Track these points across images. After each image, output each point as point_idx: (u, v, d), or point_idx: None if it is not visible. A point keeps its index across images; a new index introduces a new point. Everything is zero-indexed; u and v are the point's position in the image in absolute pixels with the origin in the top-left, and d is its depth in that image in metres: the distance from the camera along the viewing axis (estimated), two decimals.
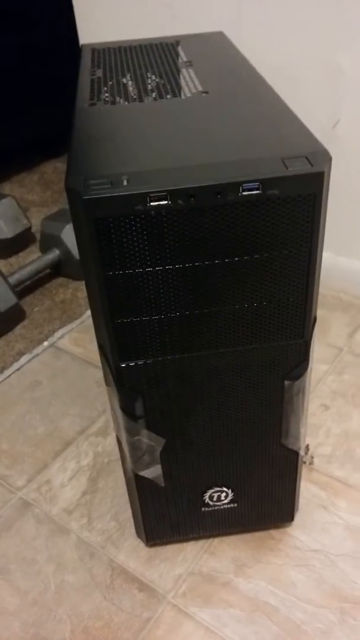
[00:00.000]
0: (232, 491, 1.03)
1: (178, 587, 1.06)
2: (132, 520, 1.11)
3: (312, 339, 0.86)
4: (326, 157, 0.71)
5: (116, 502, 1.21)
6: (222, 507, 1.05)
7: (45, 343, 1.65)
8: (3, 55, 2.38)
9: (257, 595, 1.04)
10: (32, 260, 1.87)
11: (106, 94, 0.96)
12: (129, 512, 1.14)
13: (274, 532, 1.13)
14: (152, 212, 0.69)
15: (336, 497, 1.19)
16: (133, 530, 1.15)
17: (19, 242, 2.07)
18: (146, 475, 0.97)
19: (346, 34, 1.38)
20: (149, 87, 0.98)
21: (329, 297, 1.70)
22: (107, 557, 1.12)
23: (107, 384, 0.89)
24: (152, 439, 0.92)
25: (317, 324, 0.87)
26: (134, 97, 0.94)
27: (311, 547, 1.10)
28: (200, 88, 0.95)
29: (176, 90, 0.95)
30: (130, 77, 1.03)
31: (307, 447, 1.28)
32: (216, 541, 1.13)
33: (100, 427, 1.38)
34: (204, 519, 1.07)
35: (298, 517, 1.15)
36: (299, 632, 0.99)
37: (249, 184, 0.68)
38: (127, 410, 0.88)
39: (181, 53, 1.15)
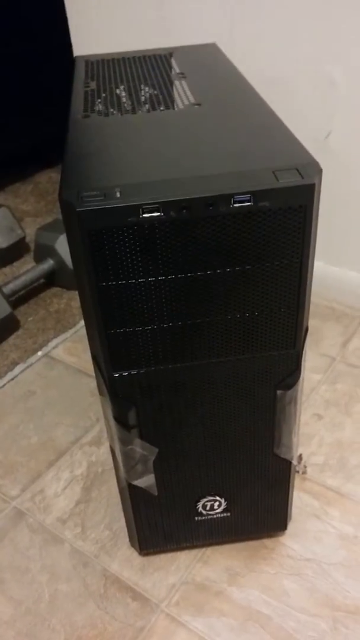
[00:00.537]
0: (225, 500, 1.03)
1: (171, 596, 1.07)
2: (125, 529, 1.11)
3: (304, 349, 0.87)
4: (316, 169, 0.72)
5: (110, 512, 1.22)
6: (215, 516, 1.06)
7: (40, 353, 1.65)
8: None
9: (250, 604, 1.05)
10: (26, 270, 1.87)
11: (99, 106, 0.97)
12: (122, 522, 1.15)
13: (267, 541, 1.14)
14: (145, 223, 0.70)
15: (329, 506, 1.19)
16: (127, 540, 1.15)
17: (13, 252, 2.08)
18: (139, 485, 0.97)
19: (338, 45, 1.39)
20: (142, 98, 0.99)
21: (322, 307, 1.71)
22: (100, 566, 1.12)
23: (101, 393, 0.89)
24: (145, 448, 0.92)
25: (310, 333, 0.88)
26: (127, 109, 0.95)
27: (304, 556, 1.11)
28: (192, 100, 0.96)
29: (169, 102, 0.96)
30: (124, 88, 1.04)
31: (300, 456, 1.28)
32: (209, 550, 1.13)
33: (94, 437, 1.38)
34: (197, 528, 1.07)
35: (291, 526, 1.15)
36: None
37: (241, 196, 0.69)
38: (121, 419, 0.89)
39: (174, 65, 1.16)
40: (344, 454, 1.29)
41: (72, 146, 0.84)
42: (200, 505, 1.03)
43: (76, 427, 1.41)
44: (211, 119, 0.88)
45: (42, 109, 2.52)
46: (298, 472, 1.25)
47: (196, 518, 1.05)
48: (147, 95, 1.00)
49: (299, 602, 1.04)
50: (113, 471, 1.09)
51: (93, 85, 1.08)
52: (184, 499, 1.02)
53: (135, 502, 1.01)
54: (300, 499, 1.21)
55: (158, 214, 0.69)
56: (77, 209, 0.68)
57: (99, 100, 1.00)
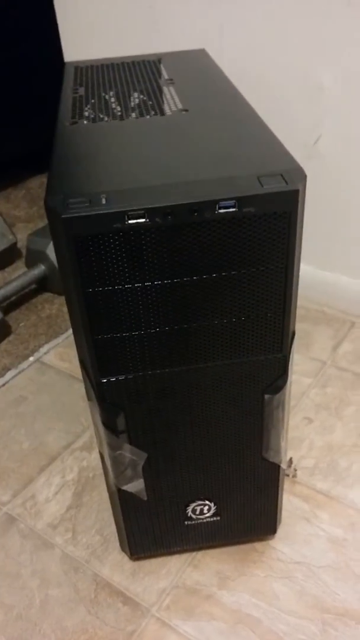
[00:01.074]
0: (214, 504, 1.04)
1: (162, 600, 1.07)
2: (116, 534, 1.11)
3: (291, 353, 0.87)
4: (301, 175, 0.73)
5: (101, 517, 1.22)
6: (205, 520, 1.06)
7: (31, 358, 1.66)
8: None
9: (240, 607, 1.05)
10: (17, 275, 1.88)
11: (87, 112, 0.98)
12: (113, 526, 1.15)
13: (257, 545, 1.14)
14: (131, 230, 0.70)
15: (319, 509, 1.19)
16: (117, 544, 1.15)
17: (5, 258, 2.08)
18: (129, 490, 0.97)
19: (327, 50, 1.40)
20: (130, 105, 0.99)
21: (312, 311, 1.71)
22: (91, 571, 1.12)
23: (89, 399, 0.89)
24: (134, 453, 0.93)
25: (300, 337, 0.88)
26: (115, 115, 0.95)
27: (294, 559, 1.11)
28: (180, 106, 0.97)
29: (156, 108, 0.96)
30: (112, 94, 1.05)
31: (290, 460, 1.29)
32: (200, 554, 1.13)
33: (85, 442, 1.39)
34: (188, 533, 1.08)
35: (281, 529, 1.16)
36: None
37: (225, 202, 0.70)
38: (109, 425, 0.89)
39: (163, 70, 1.17)
40: (334, 457, 1.29)
41: (59, 152, 0.84)
42: (190, 509, 1.04)
43: (67, 433, 1.42)
44: (198, 125, 0.89)
45: (34, 115, 2.52)
46: (288, 475, 1.25)
47: (186, 522, 1.06)
48: (135, 101, 1.01)
49: (289, 605, 1.05)
50: (104, 476, 1.09)
51: (82, 91, 1.09)
52: (174, 504, 1.02)
53: (125, 507, 1.01)
54: (290, 503, 1.21)
55: (143, 220, 0.69)
56: (63, 216, 0.68)
57: (87, 107, 1.00)
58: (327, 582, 1.07)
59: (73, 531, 1.19)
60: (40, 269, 1.89)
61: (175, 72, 1.15)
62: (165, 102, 0.99)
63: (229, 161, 0.77)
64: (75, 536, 1.19)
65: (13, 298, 1.87)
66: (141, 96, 1.03)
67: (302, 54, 1.44)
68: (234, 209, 0.70)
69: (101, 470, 1.30)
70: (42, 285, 1.94)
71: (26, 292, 1.92)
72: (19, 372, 1.61)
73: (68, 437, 1.41)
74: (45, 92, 2.18)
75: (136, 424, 0.90)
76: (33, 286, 1.93)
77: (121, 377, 0.84)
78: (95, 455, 1.35)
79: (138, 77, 1.14)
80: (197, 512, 1.04)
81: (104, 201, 0.69)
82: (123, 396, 0.86)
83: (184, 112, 0.94)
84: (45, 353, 1.67)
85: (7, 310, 1.84)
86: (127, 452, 0.92)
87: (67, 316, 1.78)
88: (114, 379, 0.84)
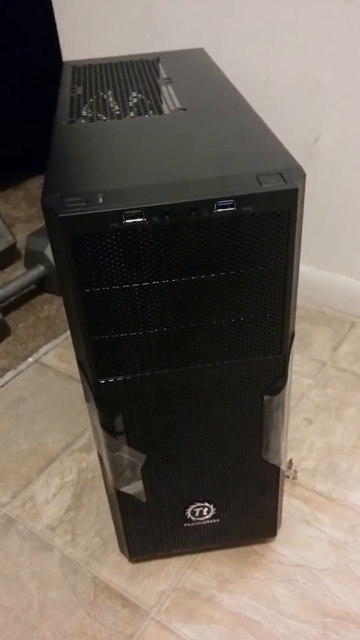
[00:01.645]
0: (214, 506, 1.03)
1: (161, 603, 1.06)
2: (115, 536, 1.11)
3: (291, 354, 0.86)
4: (300, 174, 0.72)
5: (100, 519, 1.21)
6: (204, 522, 1.05)
7: (30, 359, 1.65)
8: None
9: (240, 610, 1.04)
10: (17, 276, 1.87)
11: (85, 111, 0.97)
12: (112, 528, 1.14)
13: (257, 547, 1.13)
14: (128, 229, 0.69)
15: (319, 511, 1.19)
16: (116, 546, 1.14)
17: (4, 259, 2.08)
18: (128, 491, 0.97)
19: (325, 49, 1.39)
20: (128, 104, 0.98)
21: (312, 311, 1.70)
22: (90, 573, 1.12)
23: (87, 400, 0.89)
24: (132, 455, 0.92)
25: (300, 338, 0.88)
26: (113, 114, 0.95)
27: (294, 562, 1.11)
28: (178, 105, 0.96)
29: (154, 108, 0.96)
30: (110, 94, 1.04)
31: (290, 461, 1.28)
32: (199, 557, 1.13)
33: (84, 443, 1.38)
34: (187, 535, 1.07)
35: (281, 532, 1.15)
36: None
37: (223, 201, 0.69)
38: (107, 426, 0.88)
39: (161, 70, 1.16)
40: (334, 459, 1.29)
41: (56, 152, 0.84)
42: (189, 511, 1.03)
43: (67, 434, 1.41)
44: (196, 124, 0.88)
45: (33, 115, 2.51)
46: (288, 477, 1.25)
47: (185, 524, 1.05)
48: (134, 100, 1.00)
49: (289, 609, 1.04)
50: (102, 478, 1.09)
51: (79, 90, 1.08)
52: (173, 506, 1.02)
53: (124, 509, 1.00)
54: (290, 505, 1.20)
55: (141, 219, 0.69)
56: (59, 215, 0.67)
57: (85, 106, 1.00)
58: (328, 585, 1.07)
59: (72, 533, 1.19)
60: (39, 269, 1.88)
61: (173, 71, 1.15)
62: (163, 101, 0.99)
63: (227, 160, 0.76)
64: (75, 538, 1.18)
65: (12, 299, 1.86)
66: (139, 95, 1.02)
67: (300, 53, 1.43)
68: (232, 208, 0.69)
69: (100, 472, 1.29)
70: (41, 286, 1.94)
71: (25, 292, 1.91)
72: (18, 373, 1.60)
73: (67, 438, 1.40)
74: (44, 92, 2.17)
75: (135, 426, 0.89)
76: (32, 287, 1.93)
77: (119, 378, 0.83)
78: (94, 457, 1.34)
79: (136, 76, 1.13)
80: (197, 514, 1.04)
81: (101, 200, 0.69)
82: (121, 397, 0.85)
83: (182, 111, 0.93)
84: (44, 354, 1.67)
85: (6, 311, 1.83)
86: (126, 453, 0.92)
87: (65, 317, 1.77)
88: (112, 380, 0.83)
